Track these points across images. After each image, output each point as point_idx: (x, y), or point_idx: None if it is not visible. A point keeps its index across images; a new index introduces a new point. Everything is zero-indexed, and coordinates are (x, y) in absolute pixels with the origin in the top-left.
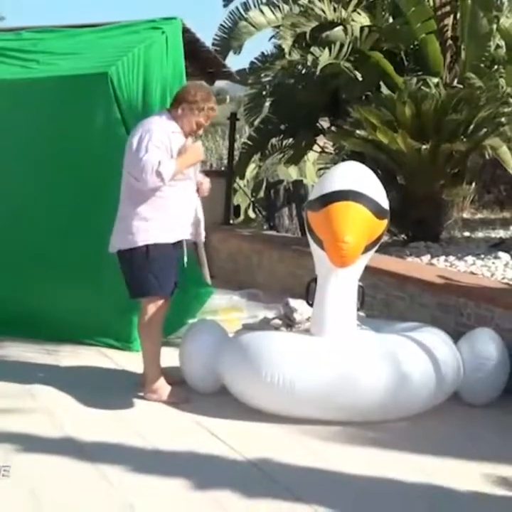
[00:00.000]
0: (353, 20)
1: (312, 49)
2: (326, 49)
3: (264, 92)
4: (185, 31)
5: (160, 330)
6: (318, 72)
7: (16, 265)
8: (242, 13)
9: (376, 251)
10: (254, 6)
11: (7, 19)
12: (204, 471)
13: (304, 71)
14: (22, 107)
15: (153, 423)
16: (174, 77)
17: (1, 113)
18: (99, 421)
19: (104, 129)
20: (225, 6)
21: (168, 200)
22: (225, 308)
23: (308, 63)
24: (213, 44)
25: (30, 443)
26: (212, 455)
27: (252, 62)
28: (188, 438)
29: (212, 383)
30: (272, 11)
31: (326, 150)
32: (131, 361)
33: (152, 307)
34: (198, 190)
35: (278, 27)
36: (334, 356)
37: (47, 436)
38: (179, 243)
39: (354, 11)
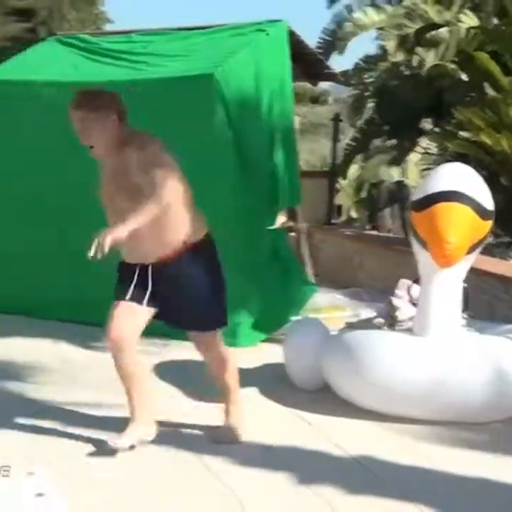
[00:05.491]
0: (459, 21)
1: (417, 50)
2: (432, 50)
3: (366, 93)
4: (290, 34)
5: None
6: (423, 74)
7: None
8: (346, 14)
9: (480, 252)
10: (359, 7)
11: (116, 22)
12: (308, 466)
13: (407, 72)
14: (129, 107)
15: (256, 418)
16: (281, 79)
17: None
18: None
19: (210, 130)
20: (328, 7)
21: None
22: (328, 307)
23: (414, 64)
24: (317, 46)
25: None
26: (316, 451)
27: (356, 64)
28: (291, 434)
29: (316, 380)
30: (375, 12)
31: (429, 151)
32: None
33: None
34: None
35: (381, 28)
36: (437, 356)
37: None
38: None
39: (459, 12)
